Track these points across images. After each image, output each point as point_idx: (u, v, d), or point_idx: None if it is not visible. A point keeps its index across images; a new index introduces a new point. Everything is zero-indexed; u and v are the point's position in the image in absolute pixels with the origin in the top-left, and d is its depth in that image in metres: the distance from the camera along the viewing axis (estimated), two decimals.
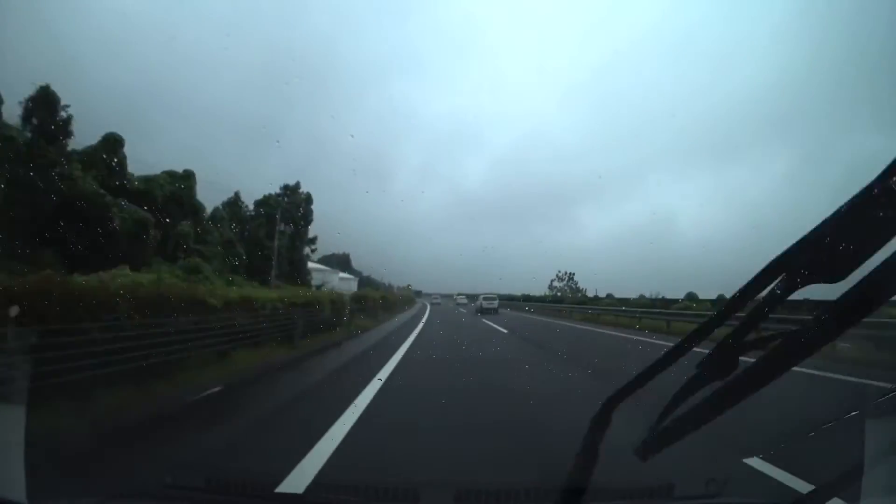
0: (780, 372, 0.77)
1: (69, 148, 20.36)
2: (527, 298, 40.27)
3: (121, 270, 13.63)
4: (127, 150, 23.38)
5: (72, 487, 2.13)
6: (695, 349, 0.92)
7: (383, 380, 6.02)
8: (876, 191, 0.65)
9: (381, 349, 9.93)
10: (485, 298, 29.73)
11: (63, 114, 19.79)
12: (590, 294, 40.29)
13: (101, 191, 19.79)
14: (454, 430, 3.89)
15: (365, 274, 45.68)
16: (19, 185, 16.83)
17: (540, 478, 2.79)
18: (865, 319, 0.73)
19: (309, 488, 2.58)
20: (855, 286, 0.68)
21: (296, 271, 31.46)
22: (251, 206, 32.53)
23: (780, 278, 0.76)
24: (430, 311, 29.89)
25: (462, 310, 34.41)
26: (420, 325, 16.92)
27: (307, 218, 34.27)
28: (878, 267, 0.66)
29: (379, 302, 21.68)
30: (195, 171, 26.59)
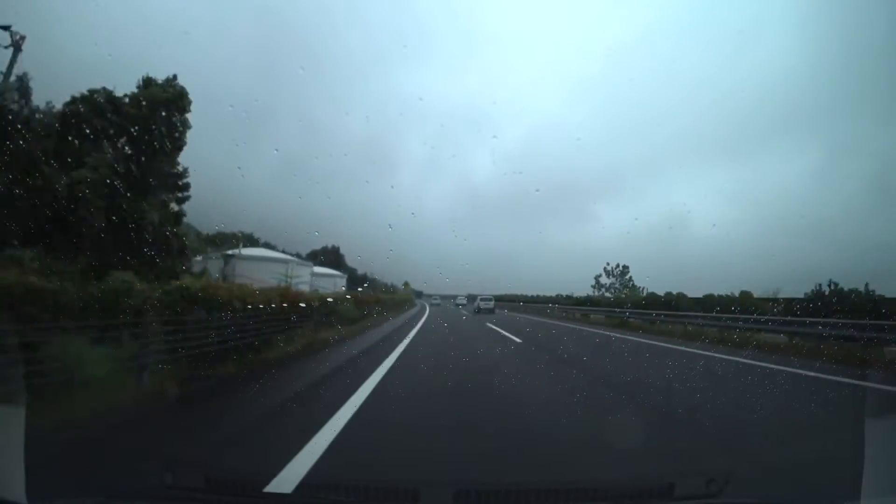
0: None
1: None
2: (550, 300, 32.99)
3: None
4: None
5: (72, 487, 2.13)
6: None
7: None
8: None
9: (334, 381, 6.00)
10: (482, 300, 33.20)
11: None
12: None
13: None
14: None
15: (360, 272, 40.74)
16: None
17: (541, 478, 2.79)
18: None
19: (309, 489, 2.58)
20: None
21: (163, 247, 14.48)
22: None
23: None
24: (429, 313, 26.73)
25: (463, 311, 32.75)
26: (412, 333, 12.96)
27: (175, 139, 15.82)
28: None
29: (370, 303, 18.61)
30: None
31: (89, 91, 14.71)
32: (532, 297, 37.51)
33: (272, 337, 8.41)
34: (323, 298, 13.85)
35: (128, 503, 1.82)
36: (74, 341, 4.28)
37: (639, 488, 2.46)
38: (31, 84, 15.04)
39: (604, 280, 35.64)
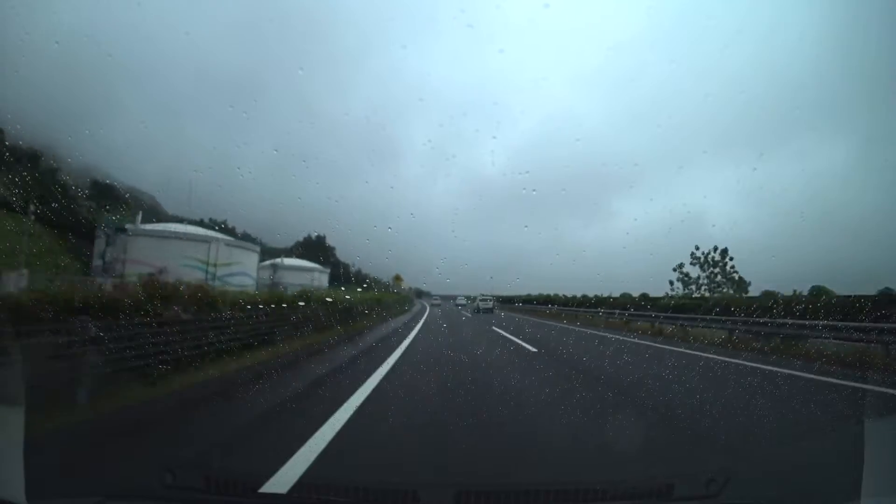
0: None
1: None
2: (597, 301, 25.02)
3: None
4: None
5: (71, 487, 2.12)
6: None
7: None
8: None
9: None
10: (481, 300, 34.15)
11: None
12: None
13: None
14: None
15: (354, 268, 35.25)
16: None
17: (541, 478, 2.79)
18: None
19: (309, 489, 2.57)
20: None
21: None
22: None
23: None
24: (428, 316, 23.51)
25: (466, 313, 29.68)
26: (403, 345, 9.92)
27: None
28: None
29: (357, 305, 15.02)
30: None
31: None
32: (545, 296, 34.74)
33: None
34: (276, 299, 9.88)
35: (127, 503, 1.82)
36: None
37: (638, 488, 2.46)
38: None
39: (690, 271, 23.08)
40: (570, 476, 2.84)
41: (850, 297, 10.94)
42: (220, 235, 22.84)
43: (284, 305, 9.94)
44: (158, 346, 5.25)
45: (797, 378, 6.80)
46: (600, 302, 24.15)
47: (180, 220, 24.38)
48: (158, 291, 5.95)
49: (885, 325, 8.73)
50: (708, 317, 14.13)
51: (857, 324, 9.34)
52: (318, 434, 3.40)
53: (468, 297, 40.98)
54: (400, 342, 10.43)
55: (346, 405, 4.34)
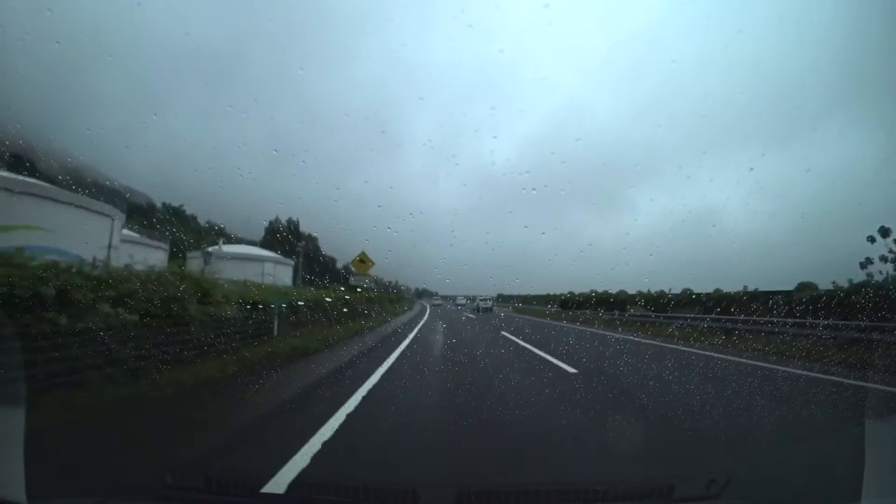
0: None
1: None
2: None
3: None
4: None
5: (71, 487, 2.12)
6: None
7: None
8: None
9: None
10: (480, 300, 35.03)
11: None
12: None
13: None
14: None
15: (340, 264, 31.48)
16: None
17: (541, 479, 2.79)
18: None
19: (306, 489, 2.57)
20: None
21: None
22: None
23: None
24: (426, 320, 21.09)
25: (468, 314, 27.91)
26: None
27: None
28: None
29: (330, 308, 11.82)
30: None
31: None
32: (550, 296, 33.13)
33: None
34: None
35: (127, 503, 1.82)
36: None
37: (639, 489, 2.45)
38: None
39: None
40: (571, 476, 2.84)
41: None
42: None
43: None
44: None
45: None
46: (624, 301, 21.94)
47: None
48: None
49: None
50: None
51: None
52: None
53: (468, 298, 41.51)
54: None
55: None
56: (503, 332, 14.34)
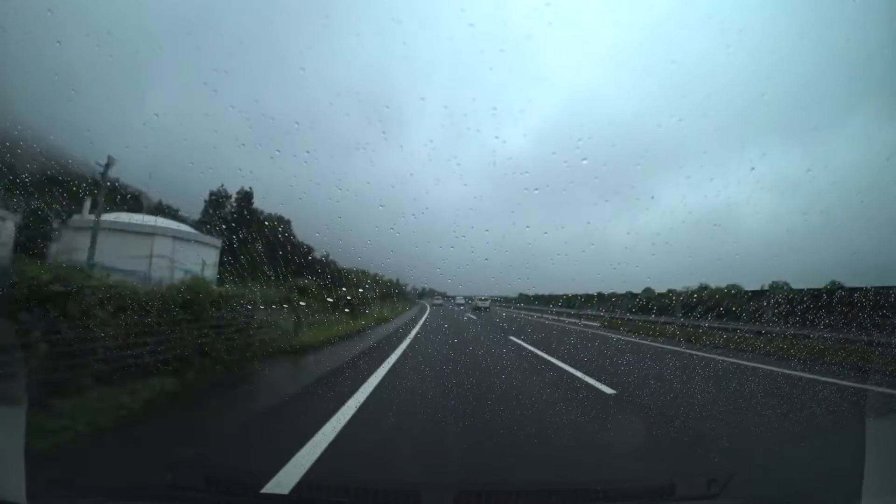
0: None
1: None
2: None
3: None
4: None
5: (71, 487, 2.12)
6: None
7: None
8: None
9: None
10: (479, 300, 35.56)
11: None
12: None
13: None
14: None
15: (322, 256, 26.09)
16: None
17: (541, 479, 2.78)
18: None
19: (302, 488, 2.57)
20: None
21: None
22: None
23: None
24: (426, 319, 19.67)
25: (471, 315, 25.38)
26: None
27: None
28: None
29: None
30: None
31: None
32: (556, 296, 31.23)
33: None
34: None
35: (127, 503, 1.82)
36: None
37: (640, 488, 2.45)
38: None
39: None
40: (572, 476, 2.83)
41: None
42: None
43: None
44: None
45: None
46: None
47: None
48: None
49: None
50: None
51: None
52: None
53: (467, 298, 41.88)
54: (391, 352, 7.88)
55: None
56: (513, 338, 11.76)
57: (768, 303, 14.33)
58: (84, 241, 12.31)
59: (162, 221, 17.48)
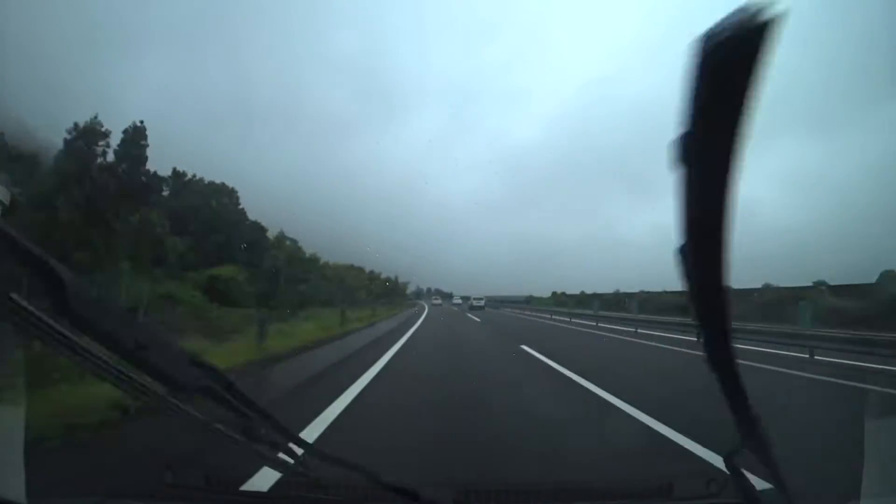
0: None
1: None
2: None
3: None
4: None
5: (71, 487, 2.13)
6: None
7: None
8: None
9: None
10: (475, 300, 36.14)
11: None
12: None
13: None
14: None
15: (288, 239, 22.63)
16: None
17: (541, 478, 2.80)
18: None
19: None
20: None
21: None
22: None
23: None
24: (419, 327, 16.68)
25: (473, 317, 23.49)
26: None
27: None
28: None
29: None
30: None
31: None
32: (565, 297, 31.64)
33: None
34: None
35: (127, 502, 1.82)
36: None
37: (638, 488, 2.46)
38: None
39: None
40: (571, 475, 2.85)
41: None
42: None
43: None
44: None
45: None
46: None
47: None
48: None
49: None
50: None
51: None
52: None
53: (463, 298, 42.53)
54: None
55: None
56: (525, 348, 10.29)
57: None
58: None
59: None
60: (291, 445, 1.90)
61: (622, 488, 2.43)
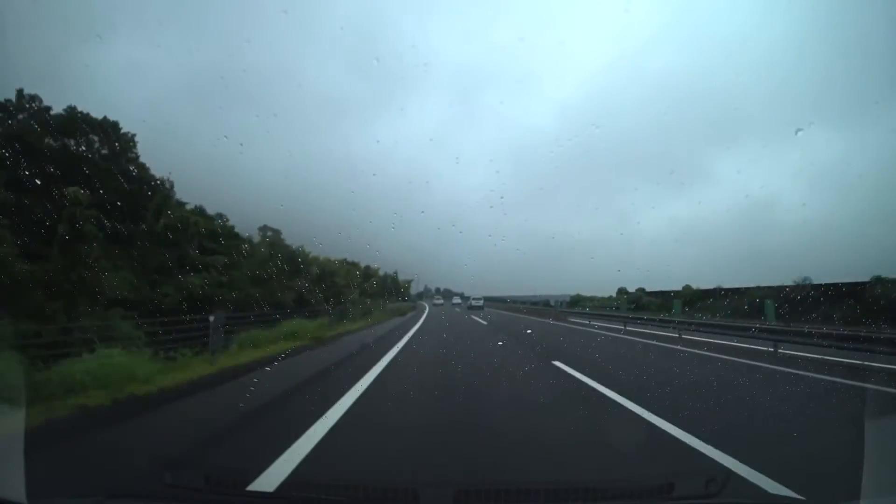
0: None
1: None
2: None
3: None
4: None
5: (71, 487, 2.12)
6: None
7: None
8: None
9: None
10: (474, 300, 35.54)
11: None
12: None
13: None
14: None
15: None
16: None
17: (541, 478, 2.78)
18: None
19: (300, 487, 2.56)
20: None
21: None
22: None
23: None
24: (417, 330, 14.38)
25: (478, 320, 20.31)
26: None
27: None
28: None
29: None
30: None
31: None
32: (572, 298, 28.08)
33: None
34: None
35: (127, 502, 1.82)
36: None
37: (638, 488, 2.46)
38: None
39: None
40: (570, 475, 2.84)
41: None
42: None
43: None
44: None
45: None
46: None
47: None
48: None
49: None
50: None
51: None
52: None
53: (463, 298, 43.01)
54: None
55: None
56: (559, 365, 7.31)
57: None
58: None
59: None
60: None
61: (622, 488, 2.43)
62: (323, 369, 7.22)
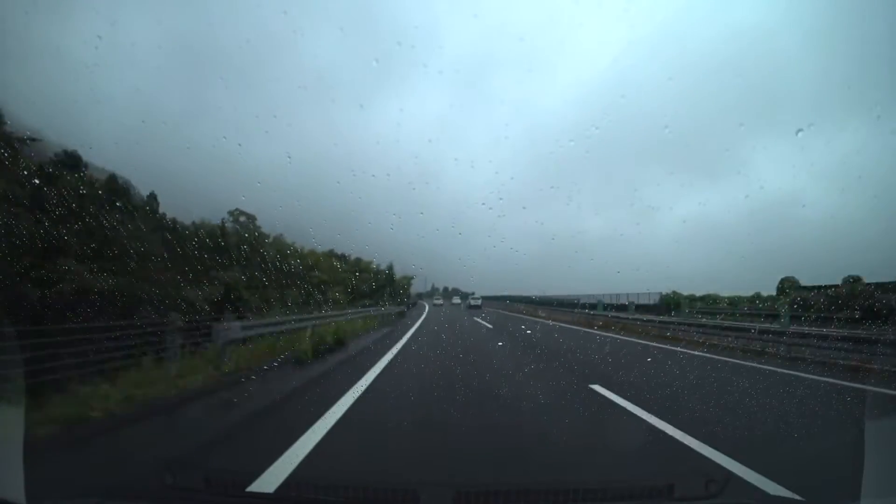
0: None
1: None
2: None
3: None
4: None
5: (71, 487, 2.12)
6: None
7: None
8: None
9: None
10: (472, 299, 36.00)
11: None
12: None
13: None
14: None
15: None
16: None
17: (541, 478, 2.78)
18: None
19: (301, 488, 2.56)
20: None
21: None
22: None
23: None
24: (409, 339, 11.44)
25: (483, 322, 18.05)
26: None
27: None
28: None
29: None
30: None
31: None
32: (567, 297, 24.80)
33: None
34: None
35: (127, 503, 1.82)
36: None
37: (638, 489, 2.46)
38: None
39: None
40: (570, 475, 2.83)
41: None
42: None
43: None
44: None
45: None
46: None
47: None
48: None
49: None
50: None
51: None
52: None
53: (462, 297, 43.69)
54: None
55: None
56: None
57: None
58: None
59: None
60: None
61: (622, 489, 2.43)
62: None
